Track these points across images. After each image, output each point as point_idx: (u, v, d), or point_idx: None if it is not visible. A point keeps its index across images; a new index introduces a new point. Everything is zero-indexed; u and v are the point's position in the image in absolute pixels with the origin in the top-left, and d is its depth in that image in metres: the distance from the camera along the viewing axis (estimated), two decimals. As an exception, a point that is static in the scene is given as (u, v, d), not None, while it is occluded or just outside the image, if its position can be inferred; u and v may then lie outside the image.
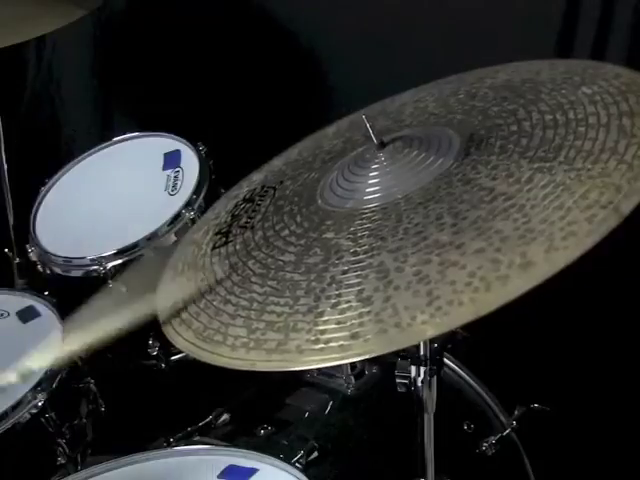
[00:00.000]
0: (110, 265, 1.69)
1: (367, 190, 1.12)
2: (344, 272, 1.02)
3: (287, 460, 1.27)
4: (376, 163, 1.14)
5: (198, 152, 1.83)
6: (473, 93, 1.25)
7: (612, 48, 1.88)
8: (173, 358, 1.77)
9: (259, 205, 1.24)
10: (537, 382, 1.71)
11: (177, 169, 1.83)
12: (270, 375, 1.38)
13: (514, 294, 0.91)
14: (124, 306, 1.20)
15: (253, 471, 1.25)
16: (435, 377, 1.18)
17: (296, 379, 1.55)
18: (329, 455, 1.41)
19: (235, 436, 1.48)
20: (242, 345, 1.03)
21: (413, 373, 1.18)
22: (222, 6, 2.32)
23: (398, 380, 1.20)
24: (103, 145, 1.97)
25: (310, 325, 0.99)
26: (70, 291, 1.75)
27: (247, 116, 2.26)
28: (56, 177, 1.92)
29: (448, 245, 0.98)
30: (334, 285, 1.02)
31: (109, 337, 1.19)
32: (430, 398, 1.19)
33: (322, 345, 0.97)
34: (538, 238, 0.94)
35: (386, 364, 1.49)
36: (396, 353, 1.17)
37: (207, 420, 1.52)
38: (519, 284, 0.91)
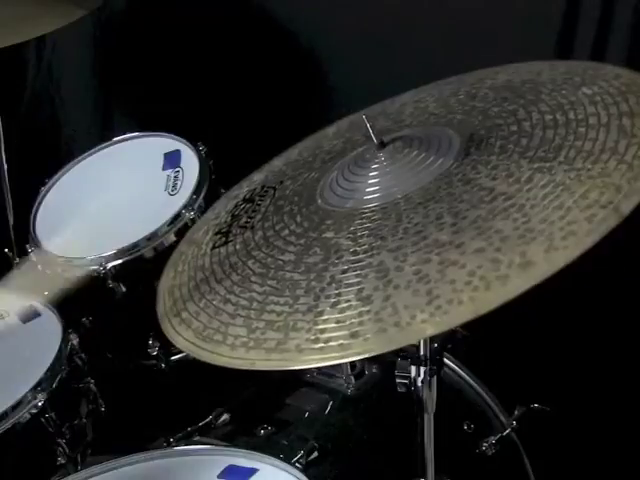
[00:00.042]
0: (110, 265, 1.69)
1: (367, 190, 1.12)
2: (344, 271, 1.03)
3: (287, 460, 1.27)
4: (376, 163, 1.14)
5: (198, 152, 1.83)
6: (473, 94, 1.25)
7: (612, 48, 1.88)
8: (173, 358, 1.77)
9: (259, 205, 1.24)
10: (537, 382, 1.71)
11: (177, 169, 1.83)
12: (270, 375, 1.38)
13: (514, 293, 0.91)
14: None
15: (253, 471, 1.25)
16: (435, 377, 1.18)
17: (296, 379, 1.55)
18: (329, 455, 1.41)
19: (235, 436, 1.48)
20: (242, 344, 1.03)
21: (413, 373, 1.18)
22: (222, 6, 2.32)
23: (398, 380, 1.20)
24: (103, 145, 1.97)
25: (310, 324, 0.99)
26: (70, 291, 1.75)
27: (247, 116, 2.26)
28: (56, 177, 1.92)
29: (448, 244, 0.98)
30: (334, 284, 1.02)
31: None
32: (430, 398, 1.19)
33: (322, 344, 0.97)
34: (538, 238, 0.94)
35: (386, 364, 1.49)
36: (396, 353, 1.17)
37: (207, 420, 1.52)
38: (519, 283, 0.91)
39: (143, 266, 1.69)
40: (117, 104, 2.51)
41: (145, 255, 1.71)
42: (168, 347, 1.74)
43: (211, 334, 1.07)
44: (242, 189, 1.33)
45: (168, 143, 1.89)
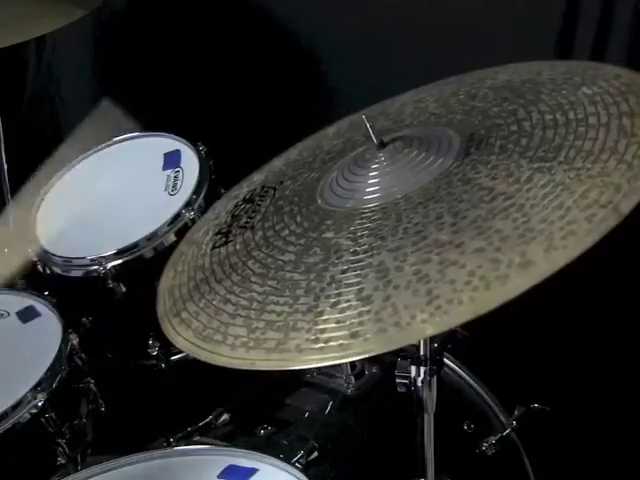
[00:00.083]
0: (110, 265, 1.69)
1: (367, 190, 1.12)
2: (344, 271, 1.03)
3: (287, 460, 1.27)
4: (376, 163, 1.14)
5: (198, 152, 1.83)
6: (473, 94, 1.25)
7: (612, 48, 1.88)
8: (173, 358, 1.77)
9: (259, 205, 1.24)
10: (537, 382, 1.71)
11: (177, 169, 1.82)
12: (270, 375, 1.38)
13: (513, 293, 0.91)
14: None
15: (253, 471, 1.25)
16: (435, 377, 1.18)
17: (296, 379, 1.55)
18: (329, 455, 1.41)
19: (235, 436, 1.48)
20: (242, 344, 1.03)
21: (413, 373, 1.18)
22: (222, 6, 2.32)
23: (398, 380, 1.20)
24: (103, 145, 1.97)
25: (310, 324, 0.99)
26: (70, 291, 1.75)
27: (247, 116, 2.26)
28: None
29: (448, 244, 0.98)
30: (334, 284, 1.02)
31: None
32: (430, 398, 1.19)
33: (322, 344, 0.97)
34: (538, 237, 0.94)
35: (386, 364, 1.49)
36: (396, 353, 1.17)
37: (207, 420, 1.52)
38: (518, 283, 0.92)
39: (143, 266, 1.69)
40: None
41: (145, 255, 1.71)
42: (168, 347, 1.74)
43: (211, 334, 1.07)
44: (242, 189, 1.33)
45: (168, 143, 1.89)
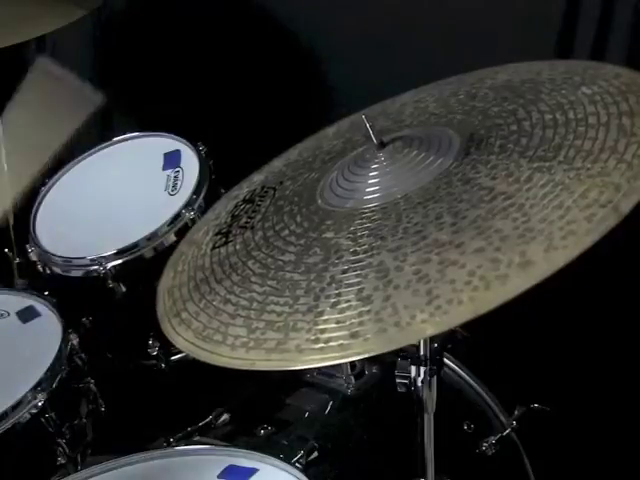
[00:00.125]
0: (110, 265, 1.70)
1: (367, 190, 1.12)
2: (344, 271, 1.02)
3: (287, 460, 1.27)
4: (376, 163, 1.14)
5: (198, 152, 1.83)
6: (473, 93, 1.25)
7: (612, 48, 1.88)
8: (173, 358, 1.77)
9: (259, 205, 1.24)
10: (537, 382, 1.71)
11: (177, 169, 1.83)
12: (270, 375, 1.38)
13: (513, 293, 0.91)
14: None
15: (253, 471, 1.25)
16: (435, 377, 1.18)
17: (296, 379, 1.55)
18: (329, 455, 1.41)
19: (235, 436, 1.48)
20: (242, 345, 1.03)
21: (413, 373, 1.18)
22: (222, 6, 2.32)
23: (398, 380, 1.20)
24: (103, 145, 1.97)
25: (310, 324, 0.99)
26: (70, 291, 1.75)
27: (247, 116, 2.26)
28: (56, 177, 1.92)
29: (448, 244, 0.98)
30: (334, 284, 1.02)
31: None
32: (430, 398, 1.19)
33: (322, 344, 0.97)
34: (537, 237, 0.94)
35: (386, 364, 1.49)
36: (396, 353, 1.17)
37: (207, 420, 1.52)
38: (518, 283, 0.91)
39: (143, 266, 1.69)
40: (117, 104, 2.51)
41: (145, 255, 1.71)
42: (168, 347, 1.74)
43: (211, 334, 1.07)
44: (242, 189, 1.33)
45: (168, 143, 1.89)
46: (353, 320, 0.97)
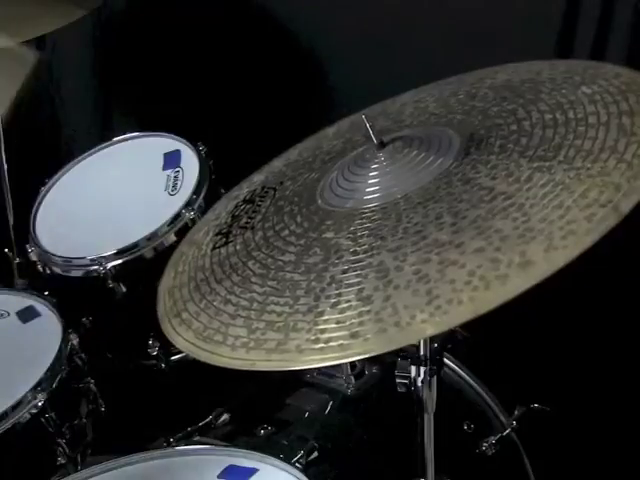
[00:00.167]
0: (110, 265, 1.70)
1: (367, 190, 1.12)
2: (344, 272, 1.02)
3: (287, 460, 1.27)
4: (376, 163, 1.14)
5: (198, 152, 1.83)
6: (473, 93, 1.25)
7: (612, 48, 1.88)
8: (173, 358, 1.77)
9: (259, 206, 1.24)
10: (537, 382, 1.71)
11: (177, 169, 1.83)
12: (270, 375, 1.38)
13: (513, 293, 0.91)
14: None
15: (253, 471, 1.25)
16: (435, 377, 1.18)
17: (296, 379, 1.55)
18: (329, 455, 1.41)
19: (235, 436, 1.48)
20: (242, 345, 1.03)
21: (413, 373, 1.18)
22: (222, 6, 2.32)
23: (398, 380, 1.20)
24: (103, 145, 1.97)
25: (310, 325, 0.99)
26: (70, 291, 1.75)
27: (247, 116, 2.26)
28: (56, 177, 1.92)
29: (448, 244, 0.98)
30: (334, 285, 1.02)
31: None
32: (430, 398, 1.19)
33: (322, 344, 0.97)
34: (537, 237, 0.94)
35: (386, 364, 1.49)
36: (396, 353, 1.17)
37: (207, 420, 1.52)
38: (518, 283, 0.91)
39: (143, 266, 1.69)
40: (117, 104, 2.51)
41: (145, 255, 1.71)
42: (168, 347, 1.74)
43: (211, 335, 1.07)
44: (242, 190, 1.33)
45: (168, 143, 1.90)
46: (353, 320, 0.97)
